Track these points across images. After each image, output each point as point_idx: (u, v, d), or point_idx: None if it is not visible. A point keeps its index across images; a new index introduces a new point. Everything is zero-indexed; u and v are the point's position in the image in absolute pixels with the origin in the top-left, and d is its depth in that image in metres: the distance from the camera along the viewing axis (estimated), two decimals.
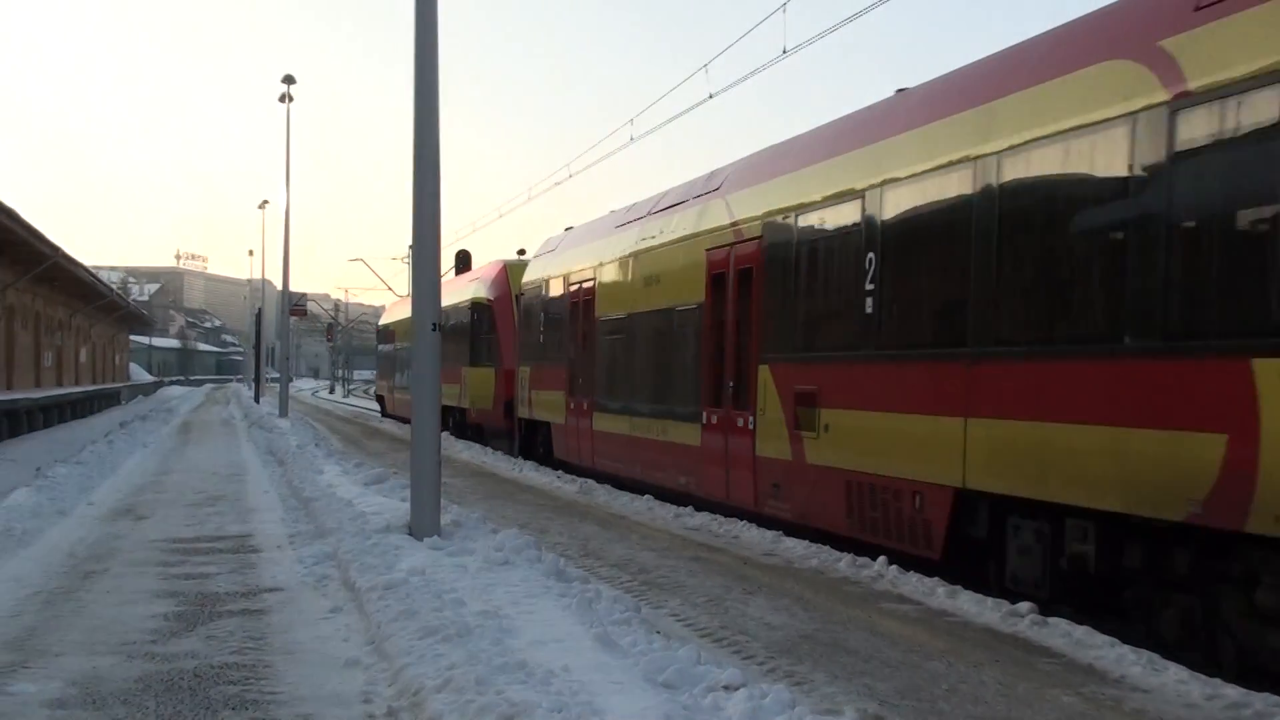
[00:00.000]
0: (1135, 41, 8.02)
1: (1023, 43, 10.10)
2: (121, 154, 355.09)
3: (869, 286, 11.03)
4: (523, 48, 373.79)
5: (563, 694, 5.47)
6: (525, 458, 23.21)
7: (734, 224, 14.19)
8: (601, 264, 19.12)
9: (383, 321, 48.66)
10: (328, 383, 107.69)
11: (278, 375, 53.75)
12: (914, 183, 10.43)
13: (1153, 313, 7.63)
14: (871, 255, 10.99)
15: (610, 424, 18.44)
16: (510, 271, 26.24)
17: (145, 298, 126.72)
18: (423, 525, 10.65)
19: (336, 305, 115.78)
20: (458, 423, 28.92)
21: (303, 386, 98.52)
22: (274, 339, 62.72)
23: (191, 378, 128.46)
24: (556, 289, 21.46)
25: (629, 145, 31.33)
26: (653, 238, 16.92)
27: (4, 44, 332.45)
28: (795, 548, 12.17)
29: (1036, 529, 8.90)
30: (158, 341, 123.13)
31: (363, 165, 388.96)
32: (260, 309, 57.62)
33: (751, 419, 13.30)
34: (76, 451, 21.79)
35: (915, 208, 10.44)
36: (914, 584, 10.26)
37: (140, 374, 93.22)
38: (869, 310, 11.00)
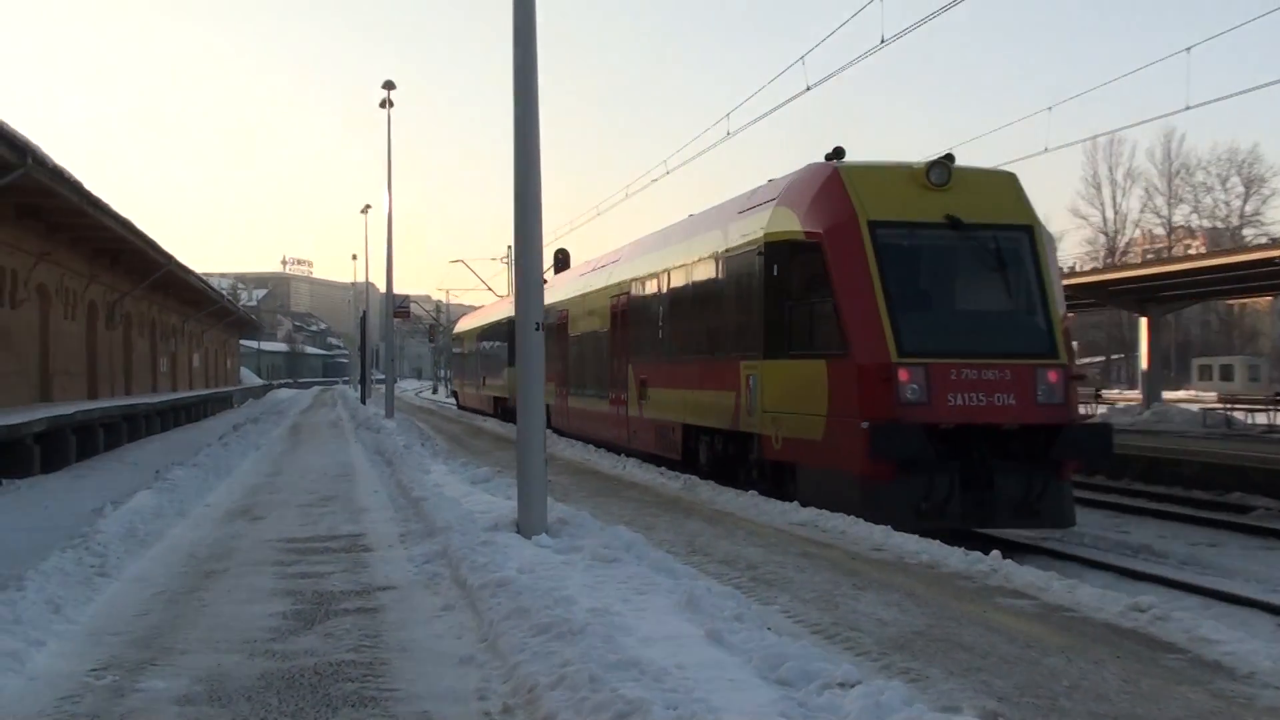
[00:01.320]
0: (720, 226, 18.53)
1: (720, 204, 20.17)
2: (227, 162, 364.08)
3: (661, 323, 21.41)
4: (618, 44, 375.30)
5: (677, 691, 5.47)
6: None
7: (618, 283, 24.31)
8: (568, 299, 28.78)
9: (455, 331, 59.76)
10: (430, 383, 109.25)
11: (383, 376, 54.55)
12: (679, 270, 20.43)
13: (721, 342, 17.96)
14: (661, 307, 21.39)
15: (575, 403, 28.30)
16: (850, 181, 21.04)
17: (253, 303, 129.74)
18: (530, 523, 10.74)
19: (438, 306, 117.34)
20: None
21: (406, 387, 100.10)
22: (378, 341, 63.88)
23: (299, 380, 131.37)
24: (550, 315, 28.26)
25: (726, 140, 31.17)
26: (588, 286, 27.21)
27: (111, 52, 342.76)
28: (906, 543, 12.04)
29: (703, 438, 19.27)
30: (266, 345, 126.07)
31: (462, 166, 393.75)
32: (365, 312, 58.63)
33: (625, 395, 23.31)
34: (193, 454, 22.36)
35: (678, 282, 20.48)
36: (1029, 578, 10.09)
37: (250, 378, 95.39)
38: (661, 336, 21.28)
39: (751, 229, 16.68)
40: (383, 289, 42.46)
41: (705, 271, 18.84)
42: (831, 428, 14.49)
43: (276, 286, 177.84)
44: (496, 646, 7.01)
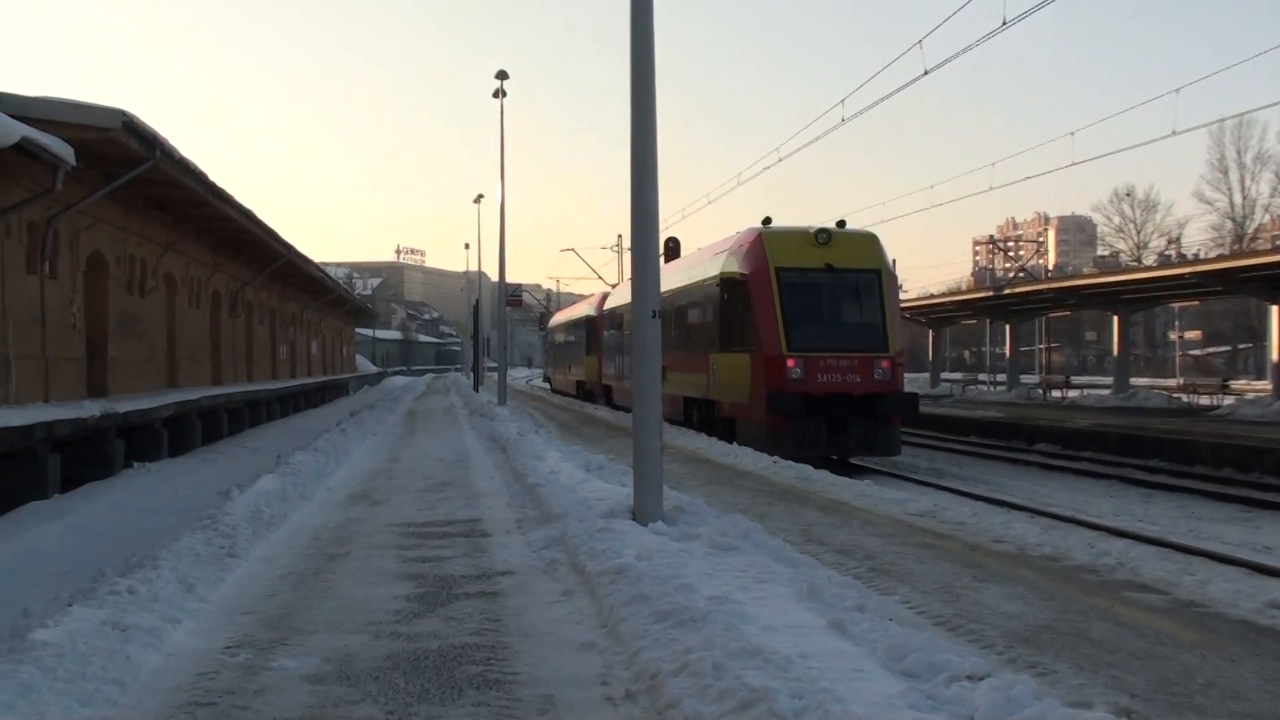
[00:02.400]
0: (702, 263, 27.64)
1: (689, 254, 32.60)
2: (343, 154, 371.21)
3: (672, 327, 28.04)
4: (732, 28, 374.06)
5: (801, 680, 5.44)
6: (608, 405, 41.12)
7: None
8: (624, 304, 35.88)
9: (549, 325, 68.67)
10: (540, 371, 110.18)
11: (495, 364, 55.19)
12: (681, 290, 28.30)
13: (699, 340, 26.49)
14: (672, 314, 28.09)
15: (625, 384, 34.95)
16: (768, 242, 26.25)
17: (368, 291, 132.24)
18: (646, 510, 10.77)
19: (548, 295, 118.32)
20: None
21: (517, 375, 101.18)
22: (490, 329, 64.57)
23: (412, 367, 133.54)
24: (614, 316, 40.18)
25: (840, 127, 30.88)
26: (614, 297, 40.17)
27: (231, 44, 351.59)
28: (1027, 533, 11.83)
29: (693, 406, 27.13)
30: (381, 333, 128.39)
31: (574, 156, 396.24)
32: (477, 300, 59.36)
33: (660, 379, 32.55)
34: (312, 440, 22.86)
35: (680, 299, 27.93)
36: (1157, 573, 9.86)
37: (365, 365, 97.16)
38: (671, 336, 26.46)
39: (714, 268, 25.92)
40: (495, 278, 42.88)
41: (692, 293, 27.89)
42: (751, 395, 23.53)
43: (391, 275, 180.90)
44: (617, 632, 7.05)
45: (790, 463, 19.41)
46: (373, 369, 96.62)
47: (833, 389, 22.60)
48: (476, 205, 57.86)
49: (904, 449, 25.49)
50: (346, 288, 66.35)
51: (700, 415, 27.79)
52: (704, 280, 26.75)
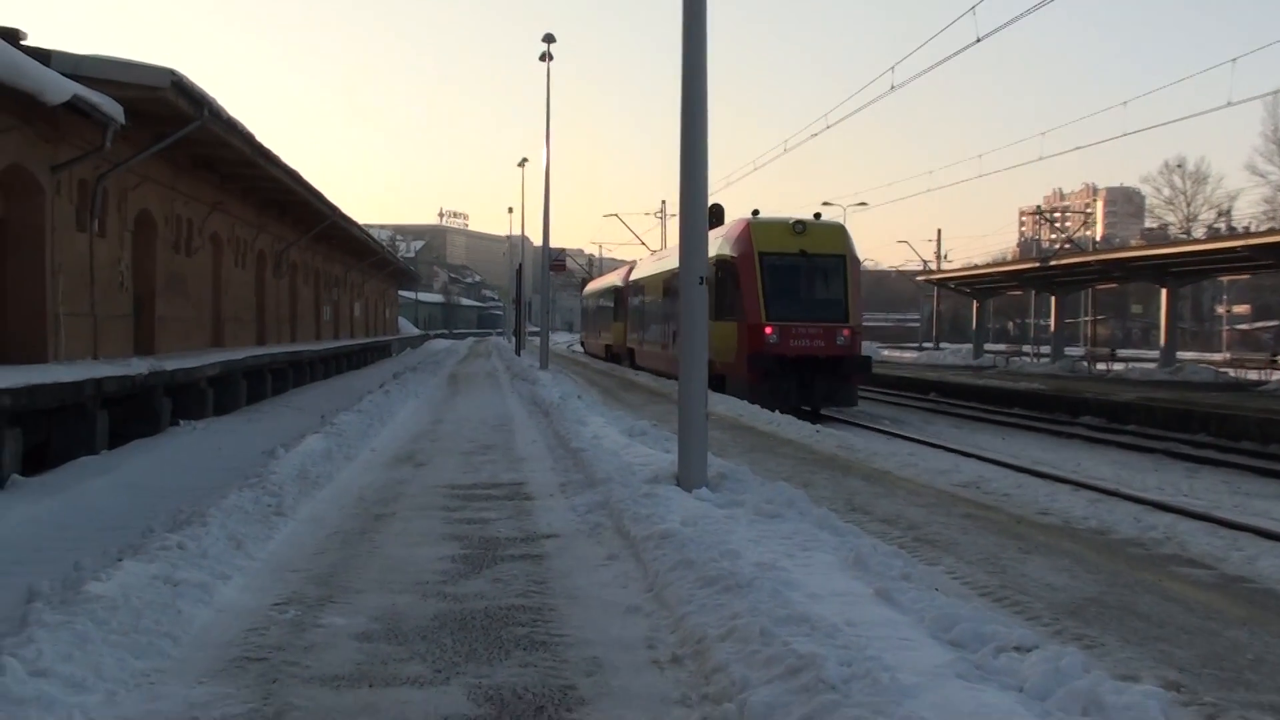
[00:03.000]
0: (719, 246, 29.94)
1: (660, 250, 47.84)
2: (387, 115, 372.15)
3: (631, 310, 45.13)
4: None
5: (849, 648, 5.44)
6: (631, 367, 45.63)
7: (664, 271, 37.00)
8: (643, 278, 44.05)
9: (584, 292, 75.21)
10: (580, 335, 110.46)
11: (536, 329, 55.38)
12: (661, 276, 37.21)
13: (671, 313, 31.86)
14: (639, 298, 43.70)
15: (645, 348, 42.55)
16: (754, 230, 32.59)
17: (411, 254, 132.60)
18: (690, 477, 10.78)
19: (590, 260, 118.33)
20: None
21: (558, 340, 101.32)
22: (532, 294, 64.70)
23: (454, 331, 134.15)
24: (637, 286, 46.05)
25: (889, 94, 30.58)
26: (653, 270, 41.64)
27: (276, 8, 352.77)
28: (1073, 506, 11.76)
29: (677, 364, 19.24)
30: (423, 296, 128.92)
31: (619, 121, 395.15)
32: (520, 264, 59.46)
33: (669, 343, 32.97)
34: (356, 401, 23.03)
35: (659, 284, 37.49)
36: (1205, 546, 9.77)
37: (408, 327, 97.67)
38: (680, 306, 24.29)
39: (711, 250, 28.39)
40: (538, 242, 42.94)
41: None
42: (737, 356, 28.91)
43: (433, 239, 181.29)
44: (662, 597, 7.07)
45: (832, 431, 19.52)
46: (415, 331, 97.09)
47: (802, 352, 28.34)
48: (521, 169, 57.90)
49: (943, 420, 27.30)
50: (390, 250, 66.55)
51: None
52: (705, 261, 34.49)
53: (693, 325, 11.03)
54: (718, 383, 28.39)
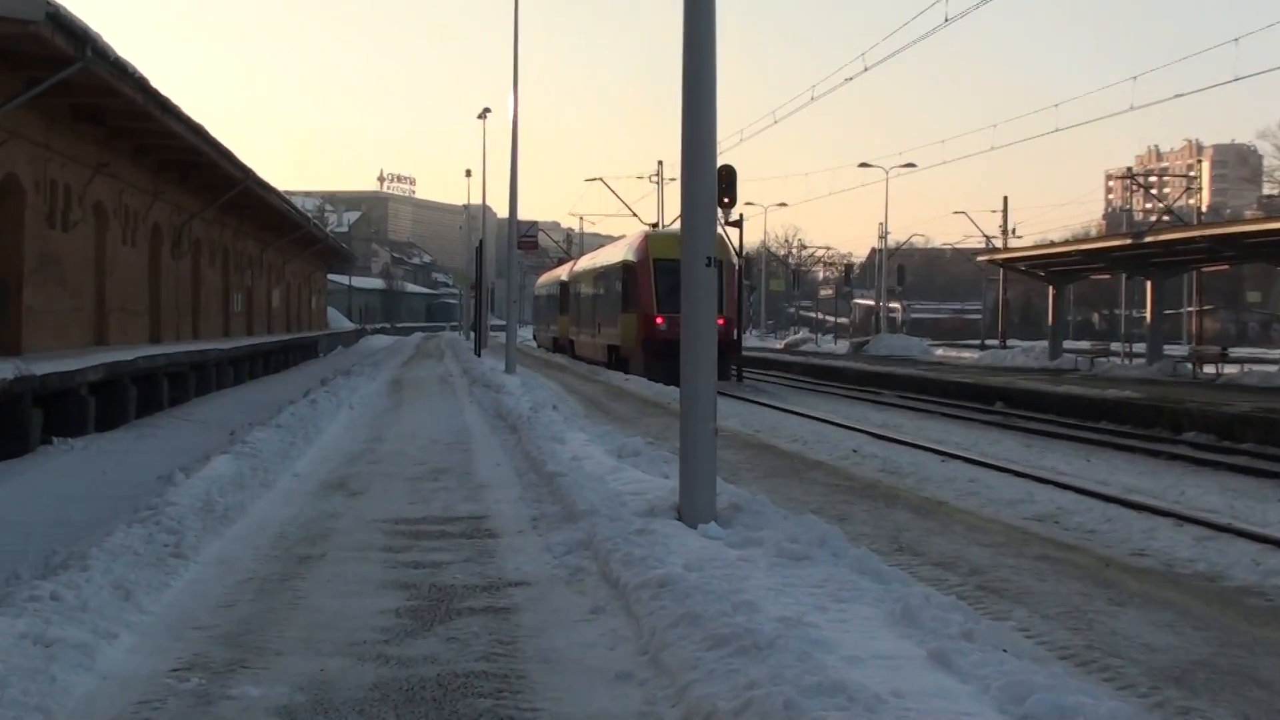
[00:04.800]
0: (620, 249, 52.20)
1: (605, 246, 66.49)
2: (308, 51, 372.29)
3: (606, 293, 52.25)
4: None
5: None
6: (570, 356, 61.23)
7: (592, 268, 57.41)
8: (577, 273, 62.43)
9: (537, 285, 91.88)
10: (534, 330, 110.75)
11: (501, 322, 55.63)
12: (610, 266, 51.50)
13: (615, 305, 48.51)
14: (604, 284, 52.74)
15: (580, 337, 59.14)
16: (650, 241, 45.92)
17: (344, 228, 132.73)
18: (695, 508, 10.77)
19: (569, 236, 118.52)
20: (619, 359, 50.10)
21: (528, 336, 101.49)
22: (495, 278, 64.54)
23: (398, 325, 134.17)
24: (576, 280, 62.06)
25: (942, 28, 30.63)
26: (584, 267, 60.28)
27: None
28: (1175, 545, 11.79)
29: (612, 350, 48.79)
30: (358, 281, 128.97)
31: (604, 67, 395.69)
32: (481, 241, 59.38)
33: (597, 331, 53.91)
34: (275, 413, 22.98)
35: (609, 274, 50.82)
36: None
37: (339, 320, 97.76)
38: (607, 300, 52.92)
39: (622, 254, 47.68)
40: (503, 213, 42.97)
41: (614, 271, 48.70)
42: (636, 341, 43.40)
43: (372, 208, 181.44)
44: (661, 661, 7.06)
45: (874, 454, 19.55)
46: (348, 325, 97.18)
47: None
48: (482, 122, 57.98)
49: (1011, 436, 27.36)
50: (317, 223, 66.53)
51: (618, 358, 47.75)
52: (621, 262, 47.79)
53: (698, 316, 11.03)
54: (623, 363, 45.88)
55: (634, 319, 43.72)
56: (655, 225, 62.22)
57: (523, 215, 42.62)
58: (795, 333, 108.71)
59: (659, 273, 42.21)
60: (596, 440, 18.01)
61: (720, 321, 44.03)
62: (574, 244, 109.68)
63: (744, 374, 46.24)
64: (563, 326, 67.05)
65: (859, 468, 18.25)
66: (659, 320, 41.62)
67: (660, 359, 39.68)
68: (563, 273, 70.90)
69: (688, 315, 11.16)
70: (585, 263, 62.17)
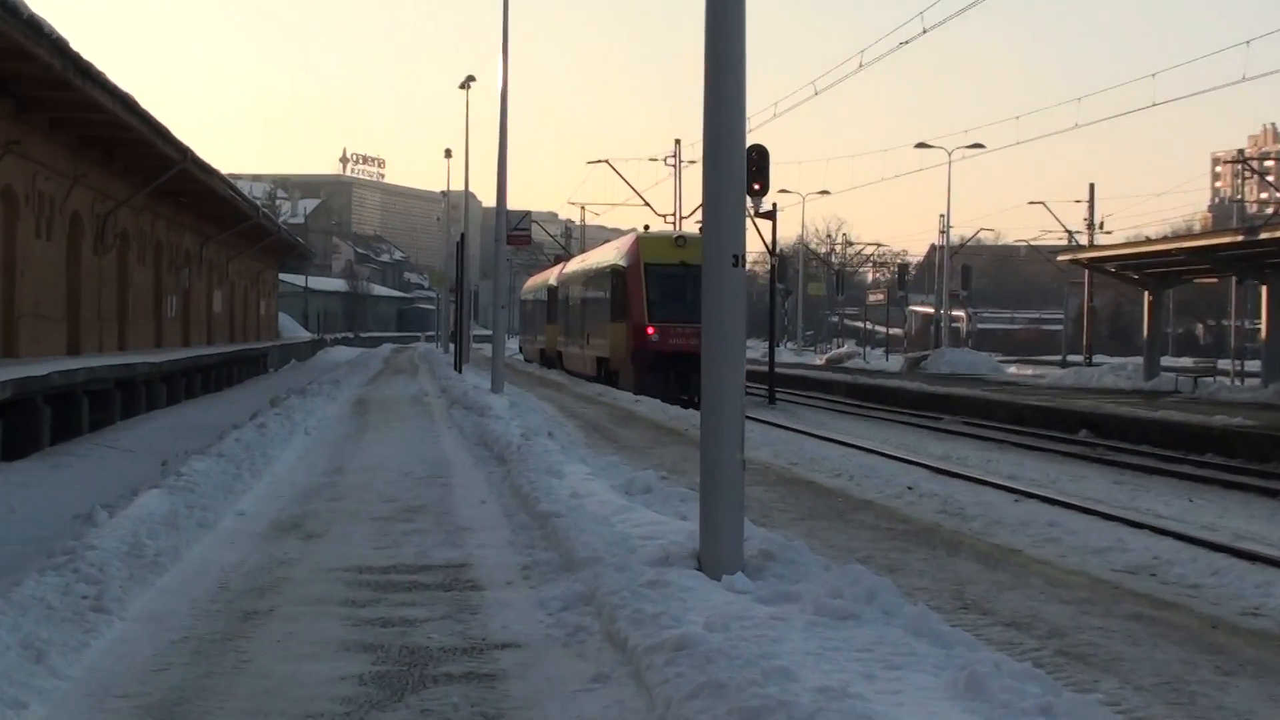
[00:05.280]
0: (610, 252, 56.50)
1: (594, 249, 70.67)
2: (264, 18, 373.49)
3: (595, 300, 57.46)
4: None
5: None
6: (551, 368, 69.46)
7: (577, 272, 64.81)
8: (558, 280, 69.84)
9: (523, 291, 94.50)
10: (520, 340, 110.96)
11: (486, 331, 55.36)
12: (581, 276, 61.79)
13: (586, 315, 58.76)
14: (595, 289, 57.61)
15: (569, 349, 63.94)
16: (641, 243, 49.61)
17: (300, 219, 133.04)
18: (720, 555, 10.76)
19: (568, 230, 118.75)
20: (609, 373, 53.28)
21: (517, 348, 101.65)
22: (479, 279, 64.54)
23: (363, 334, 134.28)
24: (565, 284, 66.55)
25: (923, 36, 30.55)
26: (565, 270, 69.44)
27: None
28: None
29: (604, 364, 52.73)
30: (316, 282, 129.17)
31: (609, 33, 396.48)
32: (463, 235, 59.47)
33: (584, 342, 59.15)
34: (216, 439, 23.01)
35: (578, 286, 61.62)
36: None
37: (293, 328, 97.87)
38: (597, 307, 55.63)
39: (611, 258, 51.83)
40: (489, 201, 42.94)
41: (602, 276, 52.83)
42: (626, 353, 47.30)
43: (333, 196, 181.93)
44: None
45: (934, 492, 19.55)
46: (304, 335, 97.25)
47: (679, 349, 43.49)
48: (465, 92, 58.04)
49: (1098, 472, 27.34)
50: (268, 213, 66.75)
51: (604, 371, 51.93)
52: (605, 269, 52.30)
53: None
54: (611, 377, 49.95)
55: (623, 329, 47.68)
56: (672, 215, 64.59)
57: (514, 204, 42.71)
58: (839, 346, 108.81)
59: (651, 278, 46.52)
60: (600, 474, 18.01)
61: None
62: (574, 239, 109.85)
63: (777, 395, 47.88)
64: (550, 337, 71.78)
65: (915, 508, 18.22)
66: (650, 330, 45.76)
67: (652, 373, 45.18)
68: (551, 276, 75.46)
69: (710, 324, 11.17)
70: (575, 265, 67.18)
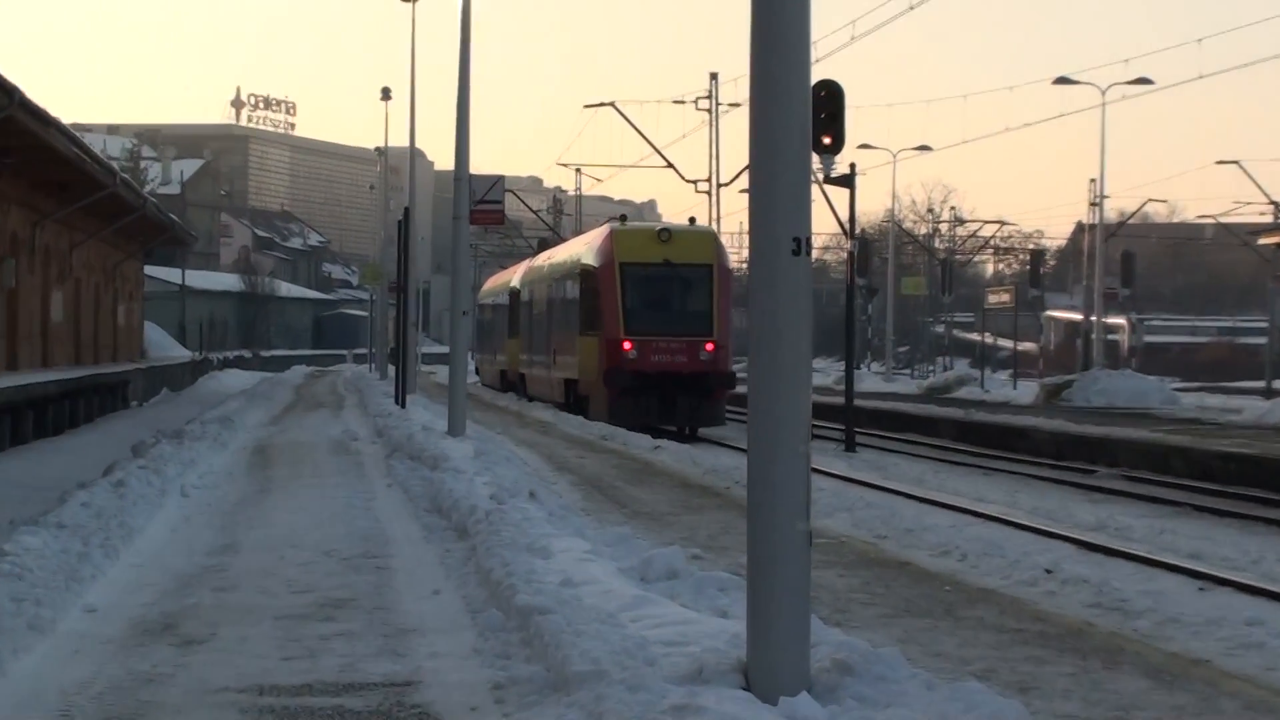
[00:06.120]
0: (582, 246, 66.31)
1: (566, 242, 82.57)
2: None
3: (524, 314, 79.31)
4: None
5: None
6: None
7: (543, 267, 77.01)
8: (521, 282, 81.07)
9: (480, 294, 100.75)
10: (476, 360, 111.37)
11: (437, 348, 55.23)
12: (547, 276, 72.28)
13: (552, 327, 68.19)
14: (529, 306, 78.15)
15: (530, 369, 74.89)
16: (616, 238, 55.97)
17: (175, 188, 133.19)
18: (776, 669, 10.71)
19: (556, 202, 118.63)
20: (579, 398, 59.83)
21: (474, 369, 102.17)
22: (431, 273, 64.28)
23: (263, 353, 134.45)
24: (532, 283, 77.04)
25: None
26: (533, 267, 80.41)
27: None
28: None
29: (572, 387, 61.62)
30: (199, 279, 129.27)
31: None
32: (408, 211, 59.44)
33: (547, 357, 70.30)
34: (55, 505, 23.01)
35: (543, 289, 72.04)
36: None
37: (165, 345, 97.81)
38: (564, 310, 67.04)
39: (579, 255, 60.75)
40: (442, 163, 42.87)
41: (569, 278, 62.01)
42: (597, 374, 54.80)
43: (222, 154, 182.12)
44: None
45: (1082, 577, 19.51)
46: (181, 354, 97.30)
47: (663, 368, 51.10)
48: (410, 4, 58.11)
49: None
50: (129, 179, 66.70)
51: (573, 397, 58.88)
52: (572, 268, 59.42)
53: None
54: (580, 403, 56.97)
55: (594, 344, 54.51)
56: (705, 181, 66.15)
57: (482, 166, 42.45)
58: (945, 368, 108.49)
59: (628, 281, 53.46)
60: (605, 551, 18.03)
61: (709, 346, 53.47)
62: (565, 216, 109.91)
63: (857, 438, 49.74)
64: (512, 354, 79.88)
65: (1056, 600, 18.15)
66: (627, 345, 52.39)
67: (628, 397, 51.81)
68: (514, 276, 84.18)
69: (763, 336, 11.08)
70: (542, 262, 75.19)
